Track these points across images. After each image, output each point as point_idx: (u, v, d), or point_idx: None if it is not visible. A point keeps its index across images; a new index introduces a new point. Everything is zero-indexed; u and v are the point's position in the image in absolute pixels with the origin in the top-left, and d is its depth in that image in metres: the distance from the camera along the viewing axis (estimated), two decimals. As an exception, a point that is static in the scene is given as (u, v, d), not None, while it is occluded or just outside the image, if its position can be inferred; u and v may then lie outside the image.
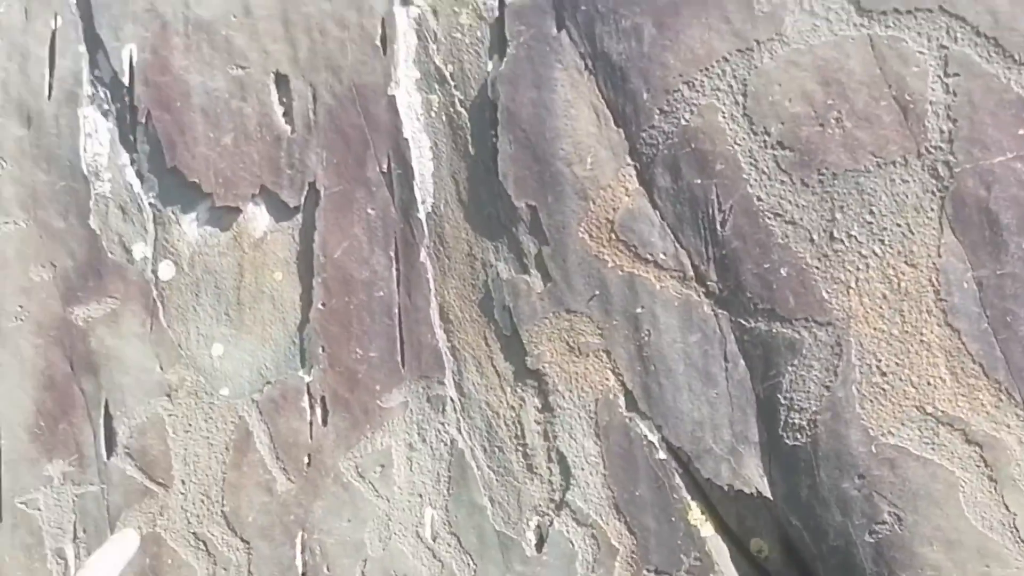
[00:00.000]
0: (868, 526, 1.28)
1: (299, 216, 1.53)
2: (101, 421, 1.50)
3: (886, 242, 1.31)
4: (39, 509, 1.47)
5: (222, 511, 1.43)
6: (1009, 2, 1.40)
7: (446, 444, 1.44)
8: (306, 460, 1.46)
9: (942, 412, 1.30)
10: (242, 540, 1.43)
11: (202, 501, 1.44)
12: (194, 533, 1.45)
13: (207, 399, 1.49)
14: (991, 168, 1.32)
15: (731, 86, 1.42)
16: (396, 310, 1.49)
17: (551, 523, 1.39)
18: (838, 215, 1.33)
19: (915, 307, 1.31)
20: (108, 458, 1.48)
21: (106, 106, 1.64)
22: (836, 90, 1.39)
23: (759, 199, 1.40)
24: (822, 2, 1.38)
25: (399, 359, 1.47)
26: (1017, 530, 1.29)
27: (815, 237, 1.36)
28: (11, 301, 1.55)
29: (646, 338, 1.40)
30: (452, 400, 1.47)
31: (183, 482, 1.46)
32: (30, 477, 1.49)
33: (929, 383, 1.30)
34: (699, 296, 1.41)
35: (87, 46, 1.66)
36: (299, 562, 1.42)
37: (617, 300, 1.44)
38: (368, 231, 1.51)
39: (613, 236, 1.44)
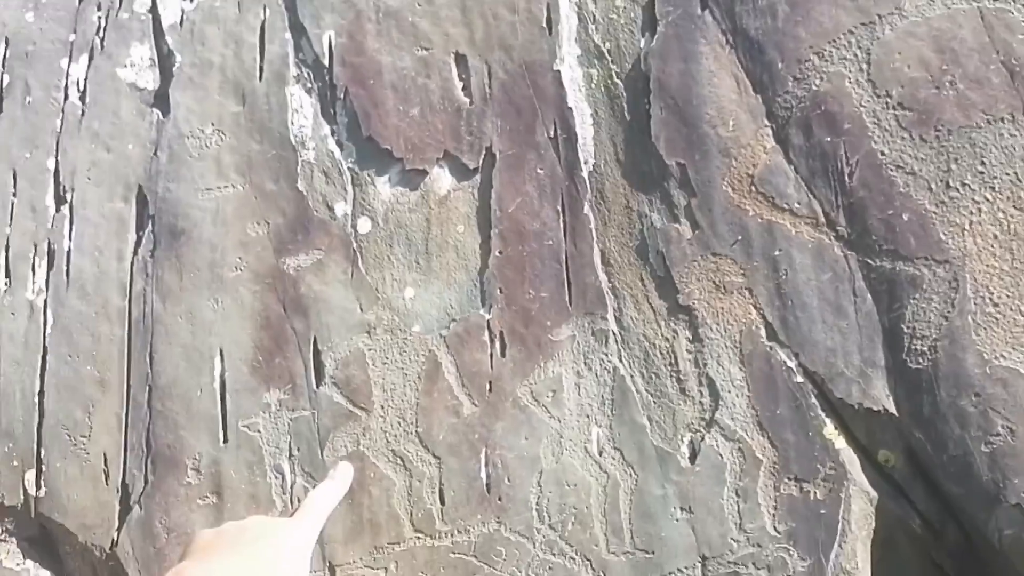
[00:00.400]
0: (984, 438, 1.45)
1: (478, 176, 1.78)
2: (311, 356, 1.71)
3: (996, 189, 1.55)
4: (259, 431, 1.70)
5: (416, 431, 1.65)
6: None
7: (609, 371, 1.63)
8: (488, 387, 1.65)
9: (1048, 336, 1.43)
10: (434, 456, 1.64)
11: (399, 423, 1.66)
12: (392, 451, 1.66)
13: (401, 335, 1.69)
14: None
15: (856, 55, 1.64)
16: (563, 256, 1.70)
17: (702, 439, 1.57)
18: (953, 166, 1.57)
19: (1023, 246, 1.52)
20: (317, 387, 1.69)
21: (309, 85, 1.89)
22: (950, 56, 1.60)
23: (882, 153, 1.61)
24: (936, -20, 1.54)
25: (567, 299, 1.68)
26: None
27: (933, 186, 1.58)
28: (232, 254, 1.78)
29: (784, 277, 1.60)
30: (613, 333, 1.65)
31: (382, 407, 1.67)
32: (251, 404, 1.70)
33: (1036, 311, 1.44)
34: (830, 240, 1.61)
35: (291, 33, 1.91)
36: (483, 474, 1.62)
37: (757, 244, 1.62)
38: (538, 188, 1.73)
39: (753, 188, 1.65)
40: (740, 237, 1.66)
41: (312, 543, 1.51)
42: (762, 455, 1.56)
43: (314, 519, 1.55)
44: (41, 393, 1.85)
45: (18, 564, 1.80)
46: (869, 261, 1.59)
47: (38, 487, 1.81)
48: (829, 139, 1.64)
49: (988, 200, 1.55)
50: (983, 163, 1.56)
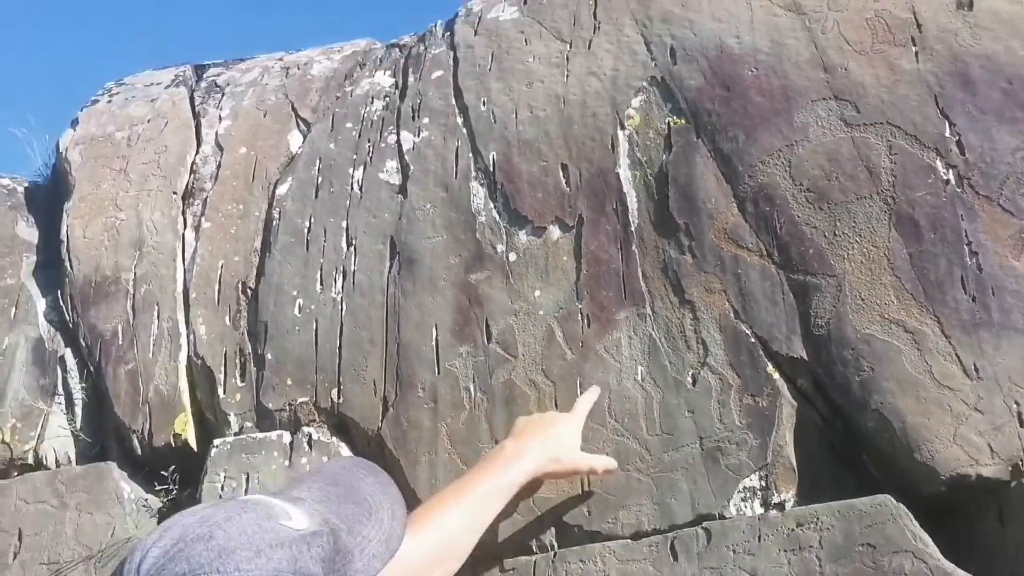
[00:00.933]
0: (856, 372, 1.54)
1: (573, 230, 1.87)
2: (484, 327, 1.84)
3: (861, 235, 1.63)
4: (456, 368, 1.81)
5: (541, 368, 1.75)
6: None
7: (647, 336, 1.73)
8: (580, 344, 1.76)
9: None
10: (551, 382, 1.73)
11: (533, 364, 1.76)
12: (529, 379, 1.73)
13: (533, 317, 1.80)
14: None
15: (783, 162, 1.75)
16: (621, 273, 1.79)
17: (700, 373, 1.64)
18: (838, 223, 1.67)
19: (876, 267, 1.56)
20: (488, 344, 1.81)
21: (482, 181, 2.00)
22: (835, 163, 1.70)
23: (798, 216, 1.68)
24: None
25: (623, 296, 1.77)
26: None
27: (827, 234, 1.67)
28: (441, 273, 1.91)
29: (744, 284, 1.70)
30: (649, 315, 1.72)
31: (522, 355, 1.76)
32: (452, 353, 1.82)
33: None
34: (769, 263, 1.70)
35: (472, 153, 2.04)
36: (579, 392, 1.68)
37: (729, 266, 1.69)
38: (607, 237, 1.83)
39: (726, 236, 1.74)
40: (719, 263, 1.73)
41: (579, 428, 1.56)
42: (732, 382, 1.61)
43: (580, 415, 1.58)
44: (340, 348, 1.95)
45: (328, 439, 1.90)
46: (791, 276, 1.66)
47: (339, 397, 1.91)
48: (768, 209, 1.72)
49: (857, 242, 1.63)
50: (854, 221, 1.65)
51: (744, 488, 1.53)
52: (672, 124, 1.84)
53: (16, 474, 1.82)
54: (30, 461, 1.84)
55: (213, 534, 0.89)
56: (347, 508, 1.18)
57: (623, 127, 1.89)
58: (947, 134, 1.62)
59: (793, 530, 1.42)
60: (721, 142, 1.79)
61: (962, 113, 1.62)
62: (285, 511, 1.04)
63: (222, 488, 1.76)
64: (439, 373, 1.81)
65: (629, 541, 1.52)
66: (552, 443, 1.49)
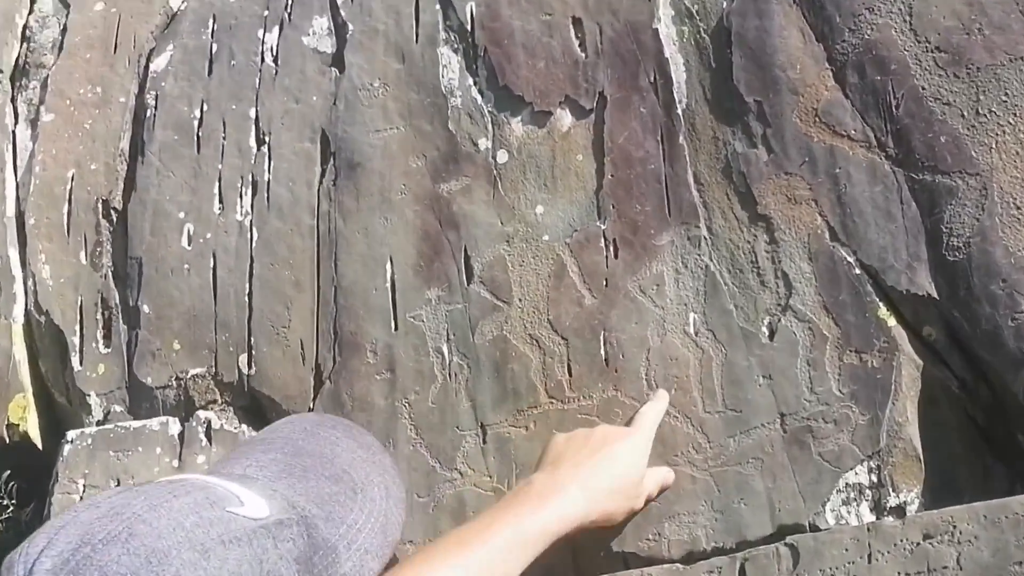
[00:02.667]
0: (1010, 315, 1.49)
1: (592, 116, 1.83)
2: (462, 261, 1.80)
3: (1017, 114, 1.59)
4: (423, 321, 1.78)
5: (547, 319, 1.71)
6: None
7: (702, 269, 1.68)
8: (604, 283, 1.70)
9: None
10: (562, 338, 1.70)
11: (533, 312, 1.73)
12: (529, 334, 1.72)
13: (534, 243, 1.77)
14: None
15: (900, 9, 1.69)
16: (663, 177, 1.76)
17: (779, 320, 1.60)
18: (981, 97, 1.61)
19: None
20: (468, 285, 1.76)
21: (456, 46, 1.96)
22: (977, 8, 1.66)
23: (923, 88, 1.65)
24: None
25: (666, 211, 1.73)
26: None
27: (964, 113, 1.62)
28: (397, 181, 1.84)
29: (843, 189, 1.65)
30: (705, 238, 1.70)
31: (520, 300, 1.74)
32: (415, 300, 1.79)
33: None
34: (881, 159, 1.65)
35: (440, 5, 2.00)
36: (602, 352, 1.67)
37: (821, 164, 1.66)
38: (641, 124, 1.79)
39: (817, 119, 1.69)
40: (807, 159, 1.69)
41: (647, 451, 1.49)
42: (828, 332, 1.58)
43: (647, 431, 1.53)
44: (250, 294, 1.93)
45: (235, 427, 1.87)
46: (913, 175, 1.63)
47: (249, 367, 1.89)
48: (879, 78, 1.68)
49: (1011, 124, 1.58)
50: (1006, 94, 1.59)
51: (847, 486, 1.51)
52: (735, -44, 1.73)
53: None
54: None
55: (133, 531, 0.85)
56: (321, 486, 1.15)
57: (664, -38, 1.78)
58: None
59: (919, 544, 1.40)
60: (808, -20, 1.67)
61: None
62: (232, 494, 1.00)
63: (80, 500, 1.73)
64: (397, 329, 1.80)
65: (679, 566, 1.50)
66: (606, 472, 1.42)
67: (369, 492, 1.21)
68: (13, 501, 1.77)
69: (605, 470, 1.42)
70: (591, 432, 1.49)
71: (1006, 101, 1.60)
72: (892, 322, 1.57)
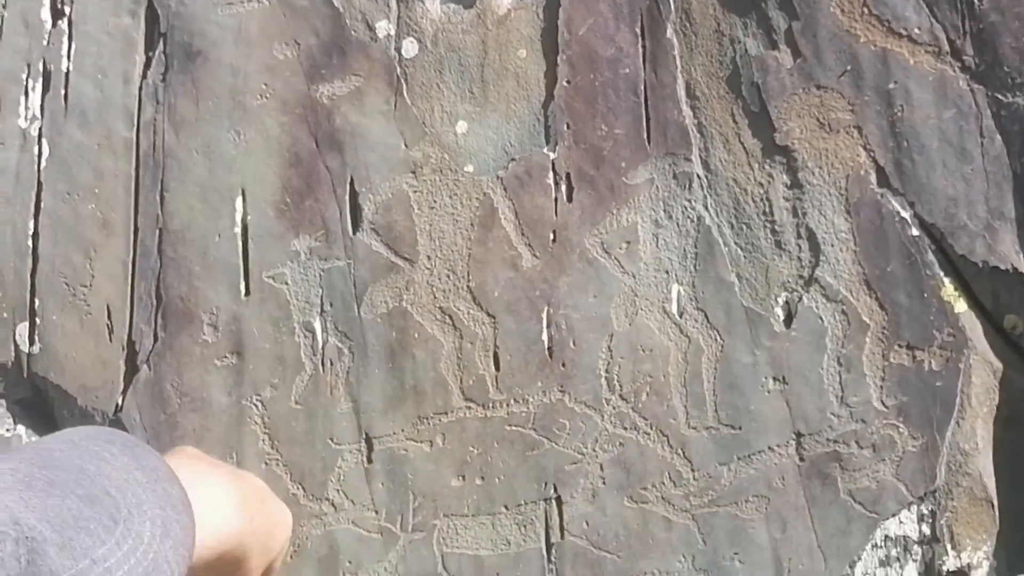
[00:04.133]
0: None
1: None
2: (347, 198, 1.69)
3: None
4: (286, 283, 1.70)
5: (468, 286, 1.65)
6: None
7: (692, 221, 1.63)
8: (551, 236, 1.65)
9: None
10: (488, 314, 1.64)
11: (448, 276, 1.66)
12: (440, 308, 1.66)
13: (452, 176, 1.68)
14: None
15: None
16: (642, 87, 1.68)
17: (800, 299, 1.56)
18: None
19: None
20: (354, 234, 1.69)
21: None
22: None
23: None
24: None
25: (645, 136, 1.66)
26: None
27: None
28: (255, 79, 1.76)
29: (899, 114, 1.60)
30: (698, 177, 1.63)
31: (428, 258, 1.67)
32: (277, 252, 1.70)
33: None
34: (954, 71, 1.59)
35: None
36: (545, 336, 1.62)
37: (869, 76, 1.61)
38: (614, 8, 1.71)
39: (866, 10, 1.63)
40: (849, 67, 1.63)
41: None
42: (869, 319, 1.55)
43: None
44: (35, 236, 1.84)
45: (8, 430, 1.81)
46: (1000, 97, 1.56)
47: (31, 342, 1.80)
48: None
49: None
50: None
51: (888, 539, 1.52)
52: None
53: None
54: None
55: None
56: (67, 506, 1.10)
57: None
58: None
59: None
60: None
61: None
62: None
63: None
64: (248, 294, 1.75)
65: None
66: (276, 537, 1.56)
67: (135, 524, 1.14)
68: None
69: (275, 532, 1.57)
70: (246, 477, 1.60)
71: None
72: (961, 306, 1.56)
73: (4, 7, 1.95)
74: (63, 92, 1.90)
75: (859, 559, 1.51)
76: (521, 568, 1.64)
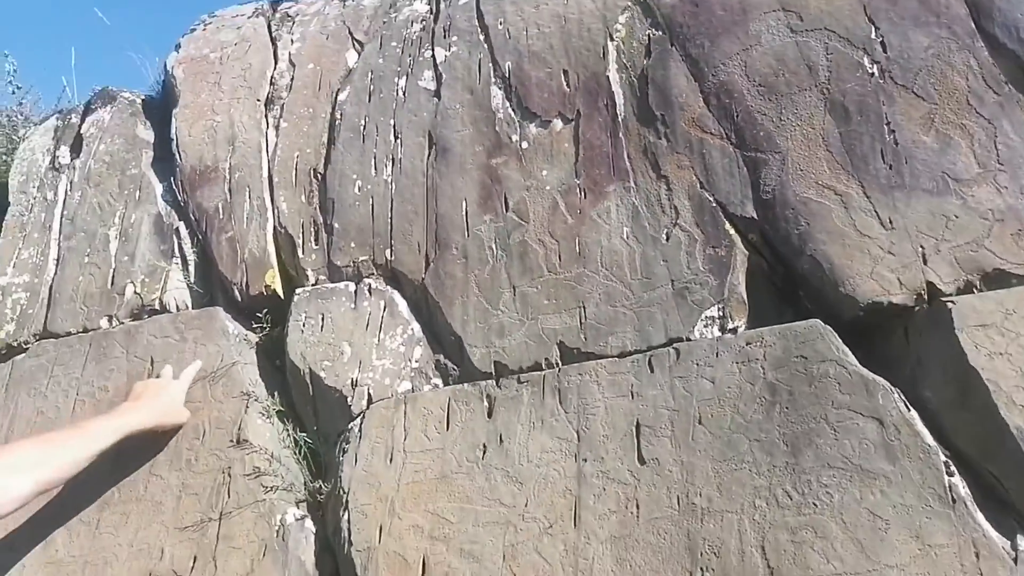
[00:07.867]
0: (795, 227, 1.45)
1: (572, 122, 1.75)
2: (503, 199, 1.69)
3: (801, 119, 1.55)
4: (481, 232, 1.69)
5: (548, 231, 1.62)
6: None
7: (630, 204, 1.61)
8: (579, 211, 1.64)
9: None
10: (554, 239, 1.62)
11: (541, 227, 1.64)
12: (539, 239, 1.64)
13: (541, 191, 1.68)
14: None
15: (739, 64, 1.63)
16: (610, 156, 1.68)
17: (672, 231, 1.54)
18: (782, 110, 1.56)
19: None
20: (506, 213, 1.66)
21: (500, 85, 1.88)
22: (780, 62, 1.60)
23: (751, 106, 1.58)
24: None
25: (611, 173, 1.65)
26: None
27: (773, 119, 1.56)
28: (468, 158, 1.77)
29: (707, 160, 1.59)
30: (632, 187, 1.60)
31: (533, 220, 1.66)
32: (477, 221, 1.69)
33: None
34: (728, 144, 1.59)
35: (492, 64, 1.91)
36: (576, 247, 1.60)
37: (695, 147, 1.59)
38: (600, 127, 1.71)
39: (695, 124, 1.62)
40: (688, 144, 1.66)
41: (183, 392, 1.60)
42: (697, 237, 1.56)
43: (183, 382, 1.62)
44: (391, 218, 1.84)
45: (383, 287, 1.74)
46: (745, 152, 1.60)
47: (391, 256, 1.79)
48: (728, 101, 1.65)
49: (798, 125, 1.55)
50: (797, 108, 1.57)
51: (706, 317, 1.48)
52: (651, 36, 1.78)
53: (146, 316, 1.83)
54: (157, 307, 1.84)
55: None
56: None
57: (612, 39, 1.81)
58: (873, 36, 1.58)
59: (743, 347, 1.39)
60: (690, 48, 1.73)
61: (885, 19, 1.58)
62: None
63: (303, 325, 1.71)
64: (468, 236, 1.71)
65: (616, 359, 1.47)
66: (161, 404, 1.52)
67: None
68: (268, 325, 1.79)
69: (162, 402, 1.53)
70: (156, 382, 1.58)
71: (796, 112, 1.59)
72: (732, 232, 1.54)
73: (377, 134, 1.93)
74: (400, 167, 1.90)
75: (695, 325, 1.48)
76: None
